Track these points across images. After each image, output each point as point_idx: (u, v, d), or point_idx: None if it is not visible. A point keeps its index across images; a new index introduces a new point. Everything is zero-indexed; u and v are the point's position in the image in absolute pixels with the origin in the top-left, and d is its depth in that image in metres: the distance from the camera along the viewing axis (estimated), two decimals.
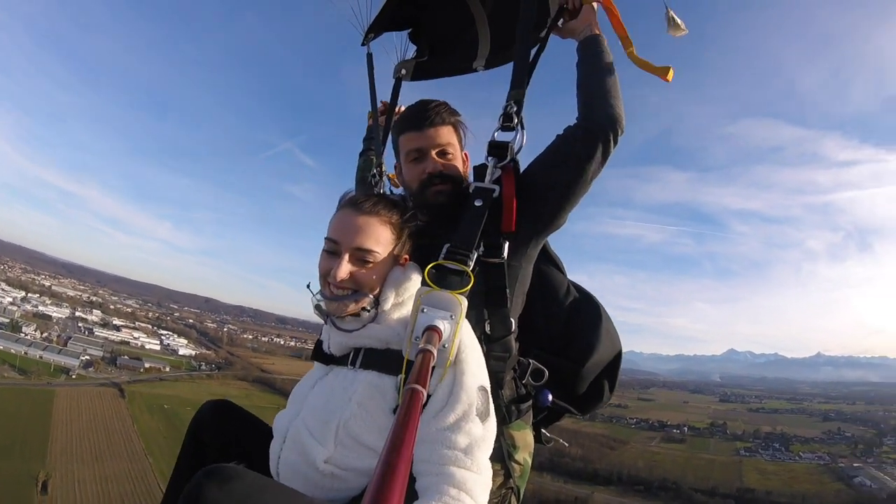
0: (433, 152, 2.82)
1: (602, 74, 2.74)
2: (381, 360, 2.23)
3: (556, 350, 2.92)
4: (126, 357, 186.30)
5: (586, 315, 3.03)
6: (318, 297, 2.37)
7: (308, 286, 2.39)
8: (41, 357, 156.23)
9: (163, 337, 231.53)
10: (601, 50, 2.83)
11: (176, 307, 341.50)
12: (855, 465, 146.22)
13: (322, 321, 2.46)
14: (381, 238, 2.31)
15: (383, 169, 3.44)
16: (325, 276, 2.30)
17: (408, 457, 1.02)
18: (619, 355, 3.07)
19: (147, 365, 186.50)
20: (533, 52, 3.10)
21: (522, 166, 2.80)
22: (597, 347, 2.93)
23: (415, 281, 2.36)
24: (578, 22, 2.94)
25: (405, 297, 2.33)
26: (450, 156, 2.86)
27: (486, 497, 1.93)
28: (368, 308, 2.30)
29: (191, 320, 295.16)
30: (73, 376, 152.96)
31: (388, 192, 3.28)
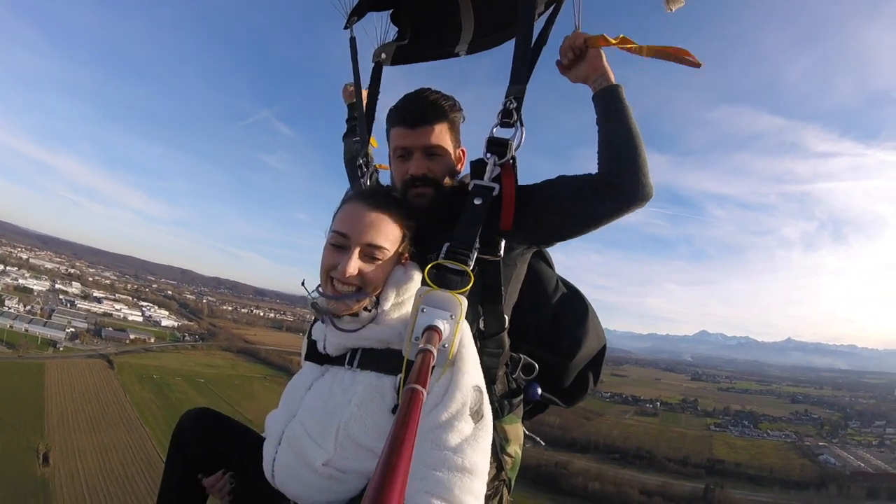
0: (419, 152, 2.75)
1: (627, 140, 2.52)
2: (381, 360, 2.20)
3: (544, 344, 2.98)
4: (111, 329, 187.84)
5: (574, 310, 3.11)
6: (316, 294, 2.30)
7: (303, 283, 2.32)
8: (27, 330, 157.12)
9: (144, 308, 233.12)
10: (622, 107, 2.58)
11: (153, 279, 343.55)
12: (820, 444, 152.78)
13: (319, 320, 2.42)
14: (391, 236, 2.28)
15: (370, 159, 3.47)
16: (330, 270, 2.23)
17: (408, 457, 1.01)
18: (603, 349, 3.16)
19: (132, 336, 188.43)
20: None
21: (524, 164, 2.68)
22: (584, 342, 3.01)
23: (416, 280, 2.33)
24: (586, 68, 2.73)
25: (405, 296, 2.29)
26: (438, 157, 2.78)
27: (479, 499, 1.86)
28: (369, 308, 2.26)
29: (169, 292, 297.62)
30: (61, 349, 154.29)
31: (377, 182, 3.40)
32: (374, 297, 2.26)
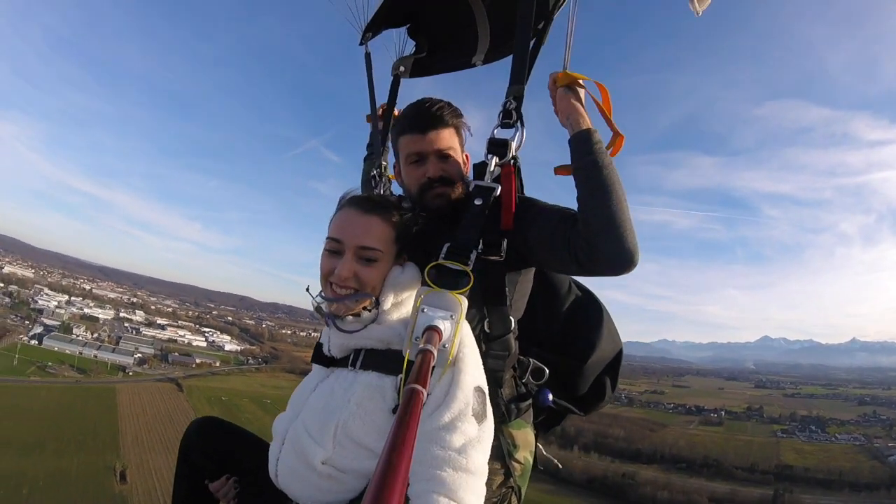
0: (433, 156, 2.75)
1: (605, 195, 2.23)
2: (382, 360, 2.22)
3: (557, 348, 2.94)
4: (176, 354, 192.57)
5: (588, 313, 3.06)
6: (319, 298, 2.37)
7: (307, 289, 2.38)
8: (96, 356, 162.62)
9: (206, 334, 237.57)
10: (597, 158, 2.30)
11: (213, 306, 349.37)
12: (890, 444, 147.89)
13: (323, 323, 2.45)
14: (383, 237, 2.31)
15: (384, 170, 3.52)
16: (328, 276, 2.29)
17: (408, 457, 1.01)
18: (620, 353, 3.08)
19: (198, 360, 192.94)
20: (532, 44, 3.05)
21: (526, 162, 2.77)
22: (598, 345, 2.94)
23: (414, 281, 2.35)
24: (557, 110, 2.57)
25: (404, 296, 2.32)
26: (450, 159, 2.79)
27: (480, 500, 1.89)
28: (369, 308, 2.29)
29: (229, 318, 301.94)
30: (130, 373, 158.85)
31: (390, 193, 3.37)
32: (374, 298, 2.29)
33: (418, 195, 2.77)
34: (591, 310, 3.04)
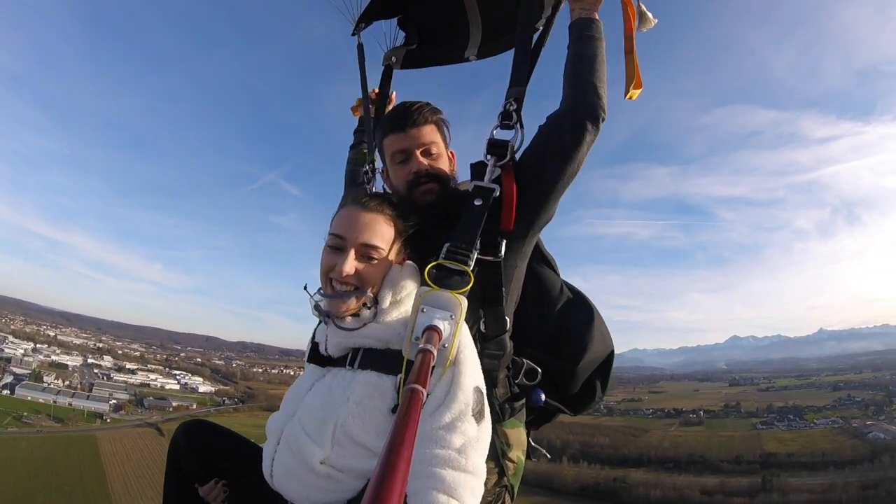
0: (418, 152, 2.80)
1: (593, 61, 2.64)
2: (381, 360, 2.20)
3: (549, 350, 2.91)
4: (151, 398, 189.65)
5: (579, 315, 3.03)
6: (318, 296, 2.36)
7: (305, 287, 2.38)
8: (71, 404, 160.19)
9: (177, 376, 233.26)
10: (595, 35, 2.70)
11: (179, 347, 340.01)
12: (867, 423, 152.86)
13: (321, 321, 2.45)
14: (385, 236, 2.35)
15: (375, 165, 3.42)
16: (328, 272, 2.30)
17: (408, 457, 1.01)
18: (611, 355, 3.06)
19: (175, 404, 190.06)
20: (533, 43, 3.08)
21: None
22: (590, 347, 2.92)
23: (412, 280, 2.36)
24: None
25: (402, 295, 2.31)
26: (434, 154, 2.85)
27: (478, 499, 1.88)
28: (368, 305, 2.30)
29: (198, 359, 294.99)
30: (108, 420, 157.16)
31: (382, 190, 3.30)
32: (372, 296, 2.31)
33: (407, 192, 2.82)
34: (583, 311, 3.06)
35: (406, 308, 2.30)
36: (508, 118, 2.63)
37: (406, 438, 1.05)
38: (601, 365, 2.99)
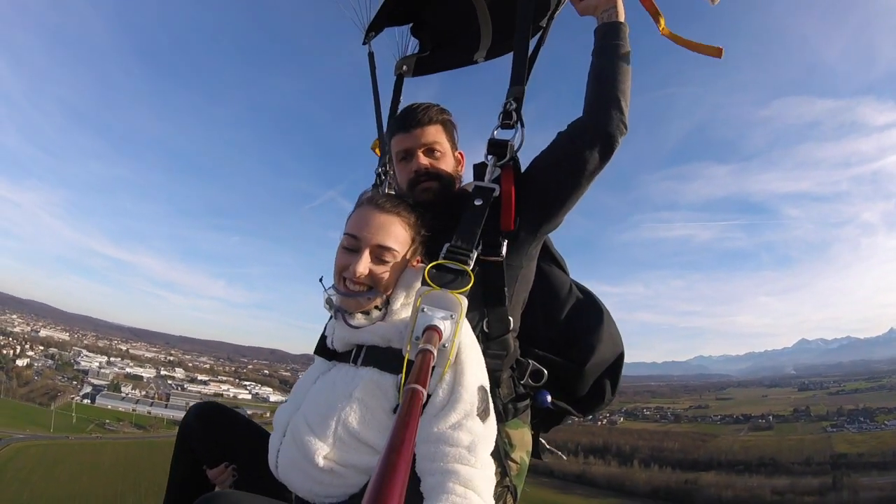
0: (420, 151, 2.81)
1: (618, 74, 2.57)
2: (382, 358, 2.18)
3: (556, 350, 2.88)
4: None
5: (588, 316, 3.02)
6: (332, 291, 2.34)
7: (321, 280, 2.37)
8: (149, 412, 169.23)
9: (248, 387, 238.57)
10: (621, 43, 2.64)
11: (246, 360, 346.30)
12: None
13: (331, 315, 2.43)
14: (400, 238, 2.32)
15: (388, 168, 3.43)
16: (342, 271, 2.28)
17: (408, 456, 1.01)
18: (621, 356, 3.02)
19: (249, 412, 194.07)
20: (533, 45, 3.08)
21: (525, 162, 2.72)
22: (598, 348, 2.89)
23: None
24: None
25: (414, 297, 2.25)
26: (438, 154, 2.85)
27: (492, 493, 1.89)
28: (380, 307, 2.30)
29: (265, 371, 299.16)
30: None
31: (394, 191, 3.29)
32: (385, 297, 2.32)
33: (408, 190, 2.86)
34: (592, 312, 3.05)
35: None
36: (509, 118, 2.64)
37: (406, 438, 1.05)
38: (611, 366, 2.99)
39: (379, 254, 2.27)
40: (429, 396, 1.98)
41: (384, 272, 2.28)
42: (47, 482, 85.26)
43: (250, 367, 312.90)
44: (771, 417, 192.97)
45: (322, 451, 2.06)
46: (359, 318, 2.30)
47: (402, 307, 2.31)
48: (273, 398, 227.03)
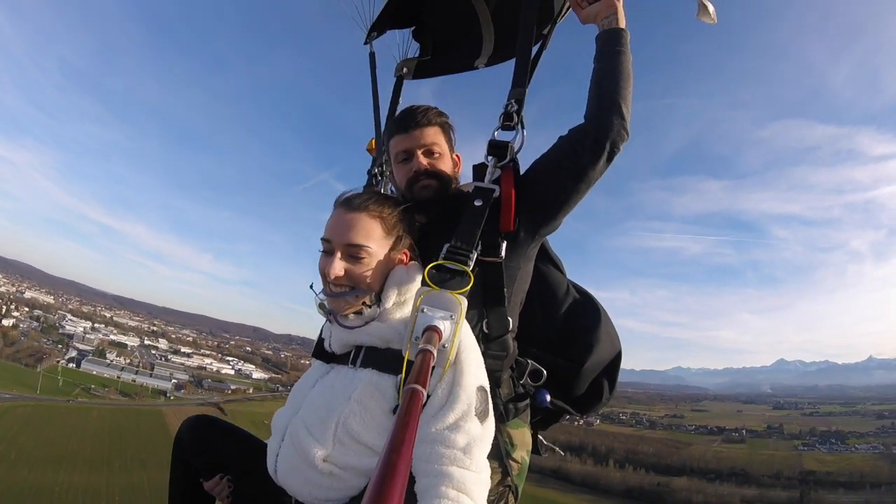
0: (419, 152, 2.82)
1: (620, 80, 2.56)
2: (382, 358, 2.18)
3: (555, 350, 2.88)
4: (209, 380, 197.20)
5: (585, 315, 3.03)
6: (321, 295, 2.35)
7: (311, 286, 2.37)
8: (134, 380, 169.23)
9: (231, 362, 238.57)
10: (623, 49, 2.62)
11: (228, 336, 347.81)
12: None
13: (326, 319, 2.44)
14: (371, 233, 2.29)
15: (384, 168, 3.45)
16: (324, 275, 2.29)
17: (408, 457, 1.01)
18: (618, 356, 3.03)
19: (232, 387, 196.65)
20: (535, 49, 3.11)
21: (525, 164, 2.70)
22: (596, 348, 2.90)
23: (417, 281, 2.32)
24: (602, 5, 2.74)
25: (407, 296, 2.30)
26: (436, 155, 2.86)
27: (485, 496, 1.88)
28: (370, 304, 2.27)
29: (248, 348, 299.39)
30: (171, 398, 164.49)
31: (390, 192, 3.32)
32: (375, 295, 2.29)
33: (407, 189, 2.87)
34: (589, 312, 3.06)
35: (410, 308, 2.22)
36: (510, 119, 2.64)
37: (406, 438, 1.05)
38: (608, 366, 3.01)
39: (351, 252, 2.27)
40: (428, 396, 1.98)
41: (363, 270, 2.27)
42: (35, 443, 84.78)
43: (232, 342, 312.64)
44: (744, 431, 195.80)
45: (321, 454, 2.06)
46: (352, 318, 2.29)
47: (396, 306, 2.30)
48: (255, 375, 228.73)
